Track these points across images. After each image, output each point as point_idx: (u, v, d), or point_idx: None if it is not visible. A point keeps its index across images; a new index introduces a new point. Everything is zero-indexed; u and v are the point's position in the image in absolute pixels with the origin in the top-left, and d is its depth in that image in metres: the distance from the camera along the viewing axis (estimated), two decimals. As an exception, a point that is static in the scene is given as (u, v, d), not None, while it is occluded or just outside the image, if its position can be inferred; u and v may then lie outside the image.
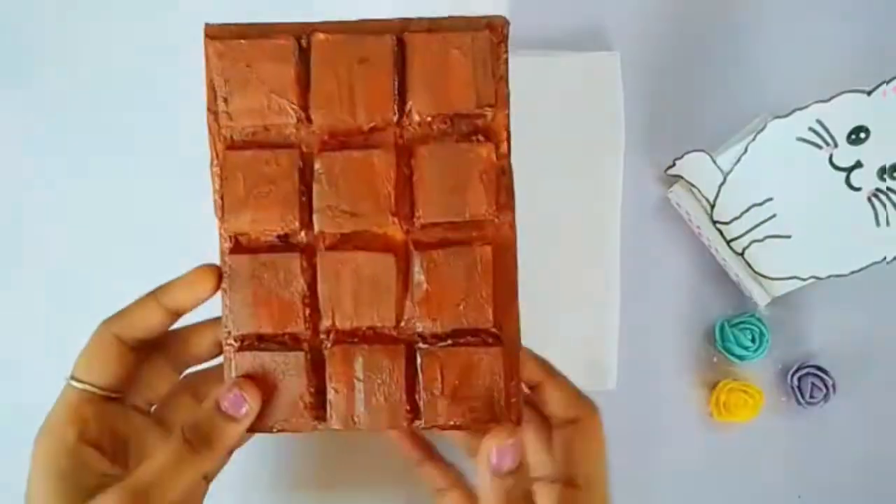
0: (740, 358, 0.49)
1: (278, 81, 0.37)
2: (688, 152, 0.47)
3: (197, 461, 0.35)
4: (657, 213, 0.51)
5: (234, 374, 0.38)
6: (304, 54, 0.38)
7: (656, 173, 0.50)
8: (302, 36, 0.37)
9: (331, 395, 0.38)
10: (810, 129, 0.45)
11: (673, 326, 0.50)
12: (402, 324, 0.38)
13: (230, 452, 0.38)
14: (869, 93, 0.43)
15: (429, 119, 0.38)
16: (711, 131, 0.50)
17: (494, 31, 0.38)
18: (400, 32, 0.38)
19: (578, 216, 0.50)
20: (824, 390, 0.49)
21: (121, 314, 0.38)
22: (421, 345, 0.38)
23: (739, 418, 0.49)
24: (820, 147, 0.45)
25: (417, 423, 0.38)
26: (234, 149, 0.38)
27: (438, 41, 0.37)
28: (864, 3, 0.52)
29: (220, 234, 0.38)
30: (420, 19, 0.38)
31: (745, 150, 0.46)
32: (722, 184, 0.47)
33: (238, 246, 0.38)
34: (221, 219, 0.38)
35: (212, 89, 0.38)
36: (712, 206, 0.48)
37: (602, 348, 0.49)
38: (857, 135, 0.44)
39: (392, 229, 0.38)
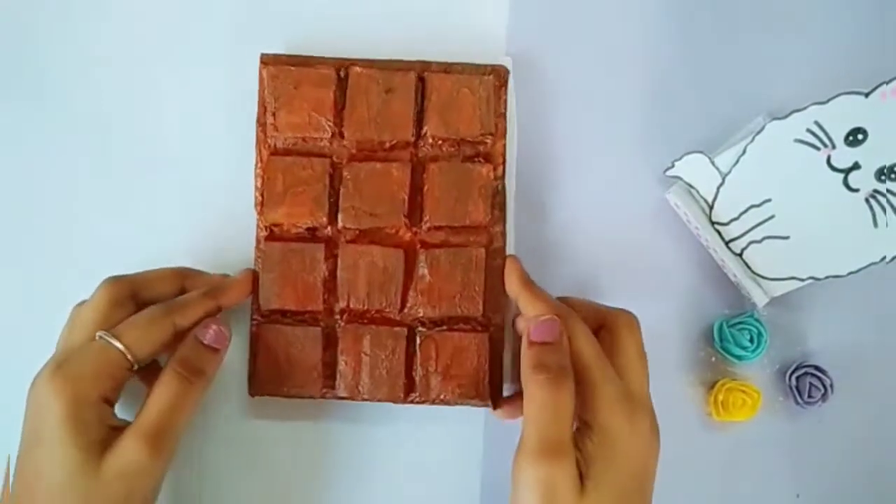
0: (739, 358, 0.49)
1: (319, 103, 0.45)
2: (686, 154, 0.48)
3: (192, 390, 0.40)
4: (656, 215, 0.51)
5: (257, 344, 0.45)
6: (341, 82, 0.46)
7: (655, 174, 0.50)
8: (341, 68, 0.46)
9: (341, 366, 0.45)
10: (808, 130, 0.45)
11: (672, 326, 0.51)
12: (406, 309, 0.46)
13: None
14: (867, 95, 0.43)
15: (440, 142, 0.46)
16: (710, 133, 0.50)
17: (498, 76, 0.46)
18: (421, 71, 0.46)
19: None
20: (822, 390, 0.49)
21: (182, 308, 0.42)
22: (420, 328, 0.45)
23: (738, 418, 0.49)
24: (818, 148, 0.45)
25: (412, 395, 0.45)
26: (276, 154, 0.46)
27: (452, 81, 0.46)
28: (861, 5, 0.52)
29: (258, 225, 0.46)
30: (438, 63, 0.46)
31: (744, 151, 0.47)
32: (720, 185, 0.48)
33: (272, 235, 0.46)
34: (261, 212, 0.46)
35: (262, 105, 0.46)
36: (711, 208, 0.48)
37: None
38: (855, 136, 0.44)
39: (403, 230, 0.46)
